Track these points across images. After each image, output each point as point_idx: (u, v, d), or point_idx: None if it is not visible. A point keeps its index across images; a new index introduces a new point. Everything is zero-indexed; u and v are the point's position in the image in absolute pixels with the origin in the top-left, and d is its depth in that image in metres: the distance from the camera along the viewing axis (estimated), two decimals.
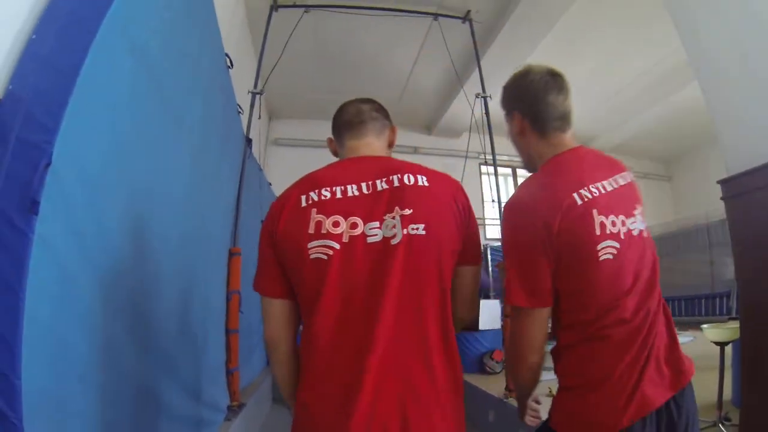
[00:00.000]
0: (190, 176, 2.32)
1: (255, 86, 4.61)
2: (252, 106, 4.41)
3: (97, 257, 1.36)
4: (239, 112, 3.76)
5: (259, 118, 4.54)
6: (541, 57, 6.19)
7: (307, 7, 5.14)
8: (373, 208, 1.08)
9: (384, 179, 1.11)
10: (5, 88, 1.18)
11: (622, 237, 1.16)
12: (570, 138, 1.31)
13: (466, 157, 5.24)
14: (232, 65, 2.97)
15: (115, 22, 1.32)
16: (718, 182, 2.55)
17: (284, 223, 1.09)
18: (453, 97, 7.24)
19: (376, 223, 1.07)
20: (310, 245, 1.05)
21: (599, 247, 1.13)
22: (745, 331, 2.42)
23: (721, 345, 3.06)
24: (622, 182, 1.25)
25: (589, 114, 8.68)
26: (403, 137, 7.48)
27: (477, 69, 5.38)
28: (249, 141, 4.19)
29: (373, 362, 0.99)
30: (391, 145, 1.34)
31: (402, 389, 0.99)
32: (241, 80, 4.62)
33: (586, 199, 1.14)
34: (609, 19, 5.80)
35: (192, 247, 2.33)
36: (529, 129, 1.29)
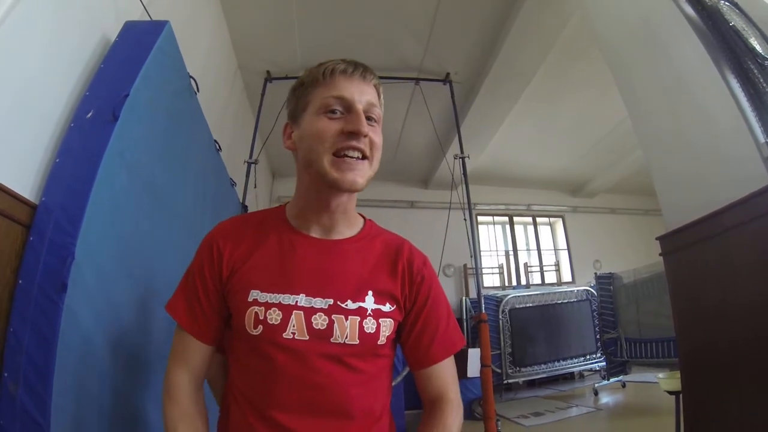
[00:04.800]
0: (186, 251, 2.77)
1: (250, 156, 5.15)
2: (247, 174, 4.96)
3: (105, 320, 1.84)
4: (233, 185, 4.29)
5: (255, 186, 5.02)
6: (523, 110, 6.68)
7: (298, 78, 5.60)
8: None
9: None
10: (40, 199, 1.72)
11: None
12: None
13: (450, 209, 5.54)
14: (220, 149, 3.51)
15: (113, 151, 1.84)
16: (657, 239, 2.64)
17: None
18: (442, 154, 7.49)
19: None
20: None
21: None
22: (685, 384, 2.45)
23: (676, 394, 3.00)
24: None
25: (580, 159, 9.12)
26: (399, 193, 7.75)
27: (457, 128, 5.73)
28: (245, 208, 4.66)
29: None
30: None
31: None
32: (243, 148, 5.18)
33: None
34: (584, 73, 6.06)
35: None
36: None
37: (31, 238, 1.63)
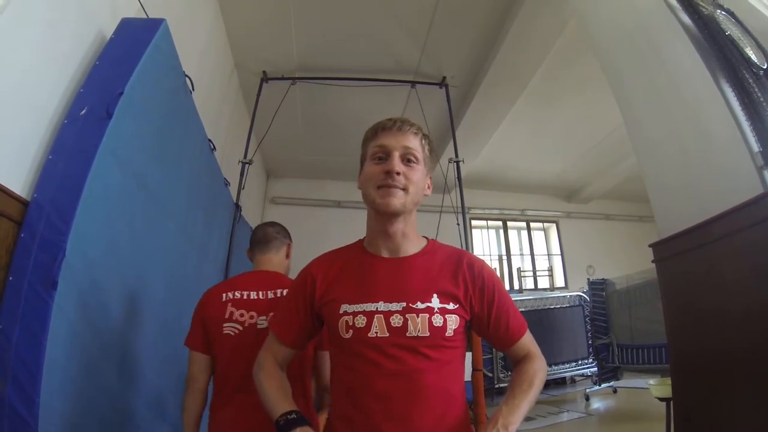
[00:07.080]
0: (178, 250, 2.82)
1: (245, 156, 5.10)
2: (242, 174, 4.92)
3: (95, 318, 1.83)
4: (227, 184, 4.26)
5: (243, 187, 4.92)
6: (519, 114, 6.67)
7: (294, 79, 5.57)
8: (264, 307, 1.78)
9: (272, 291, 1.82)
10: (32, 195, 1.70)
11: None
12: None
13: (441, 212, 5.43)
14: (215, 148, 3.49)
15: (106, 149, 1.84)
16: (650, 246, 2.65)
17: (211, 309, 1.80)
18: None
19: (264, 317, 1.77)
20: (224, 325, 1.76)
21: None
22: (676, 391, 2.46)
23: (667, 401, 2.99)
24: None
25: (575, 164, 9.11)
26: None
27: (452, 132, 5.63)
28: (238, 207, 4.64)
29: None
30: (288, 256, 2.08)
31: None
32: (238, 148, 5.14)
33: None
34: (579, 78, 6.03)
35: (182, 303, 2.64)
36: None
37: (23, 235, 1.62)
